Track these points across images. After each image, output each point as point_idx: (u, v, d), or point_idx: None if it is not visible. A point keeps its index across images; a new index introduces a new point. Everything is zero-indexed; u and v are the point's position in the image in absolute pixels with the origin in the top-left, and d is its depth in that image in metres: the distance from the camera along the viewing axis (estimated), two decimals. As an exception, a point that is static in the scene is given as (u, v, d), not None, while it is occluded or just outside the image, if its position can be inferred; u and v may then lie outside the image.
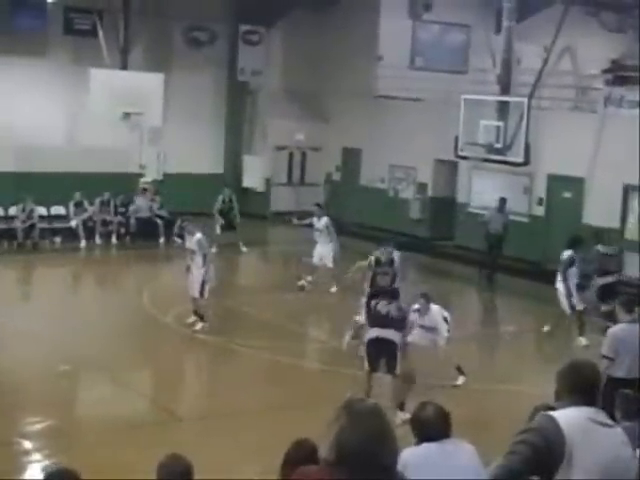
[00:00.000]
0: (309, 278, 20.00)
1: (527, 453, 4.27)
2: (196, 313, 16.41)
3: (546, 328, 17.48)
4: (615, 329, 10.78)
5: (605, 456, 4.34)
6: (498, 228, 22.20)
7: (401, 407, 11.87)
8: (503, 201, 22.60)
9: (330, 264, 19.87)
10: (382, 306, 12.62)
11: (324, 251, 19.97)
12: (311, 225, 20.57)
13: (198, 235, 16.39)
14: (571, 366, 4.62)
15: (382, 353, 12.29)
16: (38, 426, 11.80)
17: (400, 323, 12.46)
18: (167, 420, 12.40)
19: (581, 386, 4.47)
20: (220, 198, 24.68)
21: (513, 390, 14.33)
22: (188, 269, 16.41)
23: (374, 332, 12.41)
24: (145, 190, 26.00)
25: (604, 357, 10.48)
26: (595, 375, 4.58)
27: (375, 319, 12.55)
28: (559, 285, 17.07)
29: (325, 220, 20.15)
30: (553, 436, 4.26)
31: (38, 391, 13.15)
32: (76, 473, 5.36)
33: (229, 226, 24.32)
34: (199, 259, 16.22)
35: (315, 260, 20.08)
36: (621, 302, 11.16)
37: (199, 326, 16.19)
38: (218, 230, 24.03)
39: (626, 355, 10.46)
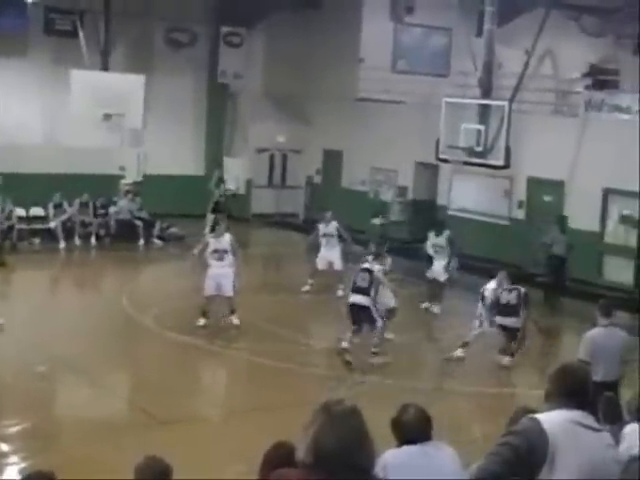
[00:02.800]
0: (310, 281, 20.15)
1: (508, 455, 4.27)
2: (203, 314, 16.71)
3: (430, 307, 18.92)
4: (592, 333, 10.83)
5: (588, 459, 4.34)
6: (562, 250, 20.93)
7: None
8: (563, 220, 21.66)
9: (340, 267, 19.97)
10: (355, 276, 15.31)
11: (332, 255, 20.03)
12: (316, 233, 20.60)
13: (227, 235, 17.01)
14: (561, 369, 4.63)
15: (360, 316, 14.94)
16: (16, 428, 11.70)
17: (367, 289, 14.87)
18: (146, 422, 12.32)
19: (570, 389, 4.47)
20: (215, 174, 24.83)
21: (492, 392, 14.36)
22: (203, 267, 16.90)
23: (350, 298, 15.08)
24: (128, 192, 25.93)
25: (580, 361, 10.47)
26: (585, 378, 4.59)
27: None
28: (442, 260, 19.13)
29: (335, 224, 20.23)
30: (536, 439, 4.26)
31: (16, 393, 13.04)
32: (53, 475, 5.31)
33: (218, 210, 24.20)
34: (231, 257, 16.78)
35: (320, 265, 20.09)
36: (599, 306, 11.22)
37: (236, 320, 16.66)
38: (207, 229, 23.83)
39: (603, 359, 10.52)
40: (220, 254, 16.73)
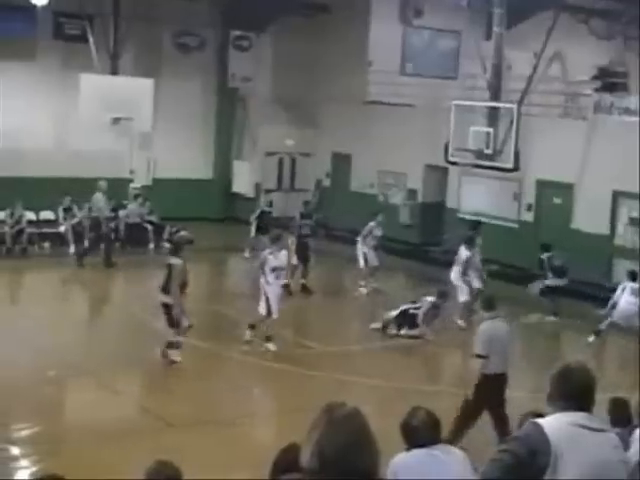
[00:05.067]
0: (363, 283, 21.13)
1: (509, 461, 4.28)
2: (252, 328, 16.01)
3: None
4: (484, 327, 11.27)
5: (592, 461, 4.33)
6: None
7: None
8: None
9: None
10: None
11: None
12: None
13: (284, 251, 16.37)
14: (563, 370, 4.60)
15: None
16: (27, 432, 11.75)
17: None
18: (157, 426, 12.34)
19: (572, 391, 4.46)
20: (262, 203, 24.78)
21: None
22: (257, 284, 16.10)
23: None
24: (138, 196, 25.97)
25: (478, 356, 10.98)
26: (587, 380, 4.55)
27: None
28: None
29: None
30: (538, 444, 4.26)
31: (26, 397, 13.08)
32: (64, 478, 5.33)
33: (265, 230, 24.16)
34: (283, 274, 16.23)
35: (375, 263, 21.15)
36: (482, 300, 12.03)
37: (273, 347, 15.81)
38: (253, 233, 24.02)
39: (496, 351, 10.94)
40: (278, 272, 15.88)
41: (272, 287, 15.74)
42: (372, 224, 21.32)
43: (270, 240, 16.53)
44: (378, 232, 21.36)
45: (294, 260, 20.64)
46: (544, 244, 20.42)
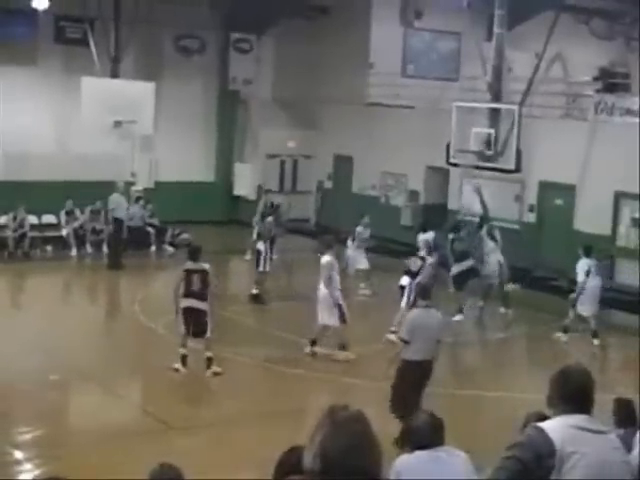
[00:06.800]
0: (362, 285, 20.96)
1: (516, 468, 4.28)
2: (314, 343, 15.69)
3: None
4: (412, 314, 11.79)
5: (595, 463, 4.33)
6: None
7: None
8: None
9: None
10: None
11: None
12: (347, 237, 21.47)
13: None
14: (562, 373, 4.60)
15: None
16: (30, 435, 11.75)
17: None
18: (159, 429, 12.34)
19: (572, 393, 4.45)
20: (262, 203, 24.71)
21: (504, 396, 14.33)
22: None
23: None
24: (139, 198, 26.00)
25: (401, 340, 11.49)
26: (586, 382, 4.55)
27: None
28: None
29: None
30: (542, 449, 4.26)
31: (29, 400, 13.09)
32: (67, 482, 5.33)
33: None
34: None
35: (365, 266, 20.93)
36: (418, 289, 12.64)
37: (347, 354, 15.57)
38: (254, 236, 23.97)
39: (422, 338, 11.34)
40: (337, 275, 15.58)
41: (337, 292, 15.41)
42: (359, 227, 21.20)
43: (325, 245, 15.93)
44: (365, 234, 21.23)
45: (267, 267, 20.27)
46: (455, 224, 20.95)
